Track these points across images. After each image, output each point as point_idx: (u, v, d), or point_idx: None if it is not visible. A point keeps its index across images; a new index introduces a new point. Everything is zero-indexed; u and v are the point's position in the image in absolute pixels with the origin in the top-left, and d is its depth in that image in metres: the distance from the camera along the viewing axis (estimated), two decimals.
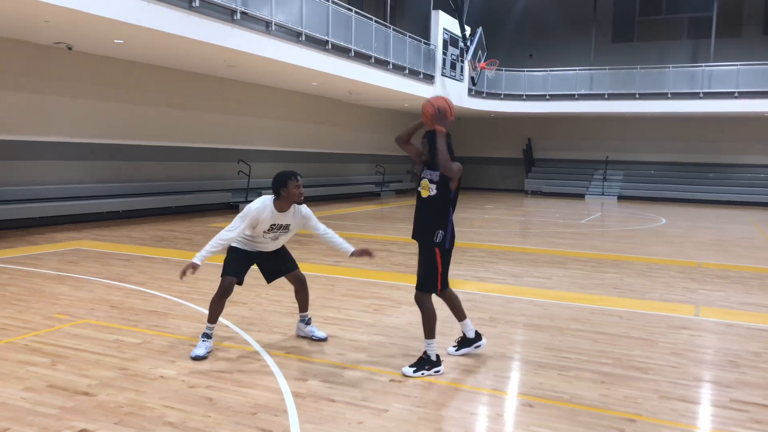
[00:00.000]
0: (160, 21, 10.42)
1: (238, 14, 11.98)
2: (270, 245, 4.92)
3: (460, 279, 8.17)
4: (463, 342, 4.97)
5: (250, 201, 17.30)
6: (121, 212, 13.64)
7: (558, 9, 27.81)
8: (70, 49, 12.52)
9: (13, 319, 5.63)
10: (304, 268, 8.49)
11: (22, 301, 6.26)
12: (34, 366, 4.43)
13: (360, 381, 4.31)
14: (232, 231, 4.65)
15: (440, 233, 4.44)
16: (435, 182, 4.47)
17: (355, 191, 22.84)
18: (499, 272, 8.69)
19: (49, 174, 12.71)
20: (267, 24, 12.94)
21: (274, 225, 4.75)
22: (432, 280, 4.52)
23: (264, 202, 4.70)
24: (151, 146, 15.08)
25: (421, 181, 4.56)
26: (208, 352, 4.74)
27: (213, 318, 4.82)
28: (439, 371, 4.47)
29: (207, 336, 4.79)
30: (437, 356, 4.51)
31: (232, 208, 16.42)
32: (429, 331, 4.53)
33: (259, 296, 6.68)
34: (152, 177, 15.09)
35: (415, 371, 4.41)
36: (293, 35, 13.90)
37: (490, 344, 5.24)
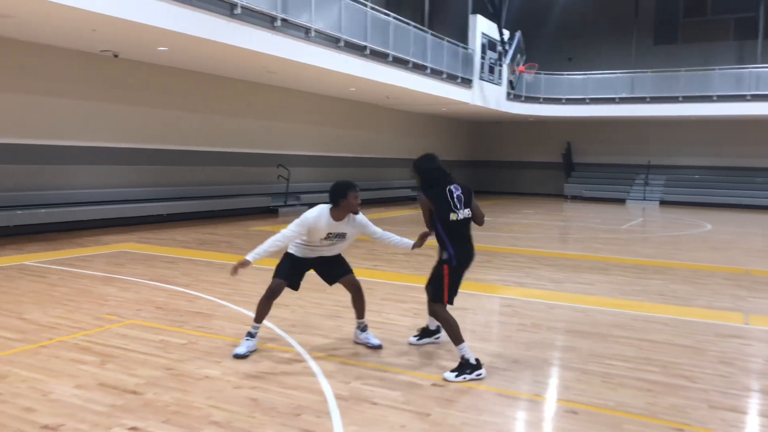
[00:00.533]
0: (203, 28, 10.63)
1: (279, 21, 12.15)
2: (327, 251, 5.00)
3: (501, 284, 8.12)
4: (425, 333, 5.26)
5: (290, 205, 17.49)
6: (165, 215, 13.93)
7: (598, 11, 27.46)
8: (116, 56, 12.86)
9: (64, 318, 5.80)
10: None
11: (72, 302, 6.44)
12: (85, 364, 4.56)
13: (402, 384, 4.32)
14: (288, 235, 4.72)
15: (445, 253, 4.62)
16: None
17: (392, 195, 22.89)
18: (539, 278, 8.60)
19: (97, 178, 13.06)
20: (306, 30, 13.09)
21: (331, 233, 4.83)
22: (440, 292, 4.64)
23: (321, 211, 4.77)
24: (193, 151, 15.37)
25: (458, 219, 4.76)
26: (250, 351, 4.82)
27: (259, 318, 4.90)
28: (480, 375, 4.45)
29: (251, 335, 4.88)
30: (477, 360, 4.49)
31: (271, 212, 16.62)
32: (455, 337, 4.55)
33: (301, 299, 6.74)
34: (195, 181, 15.39)
35: (456, 376, 4.40)
36: (332, 41, 14.03)
37: (532, 350, 5.20)
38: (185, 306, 6.40)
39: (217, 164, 16.07)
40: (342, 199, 4.74)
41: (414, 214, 18.35)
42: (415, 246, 4.99)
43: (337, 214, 4.79)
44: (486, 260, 9.82)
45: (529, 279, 8.50)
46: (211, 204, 15.01)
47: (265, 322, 5.76)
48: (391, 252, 10.44)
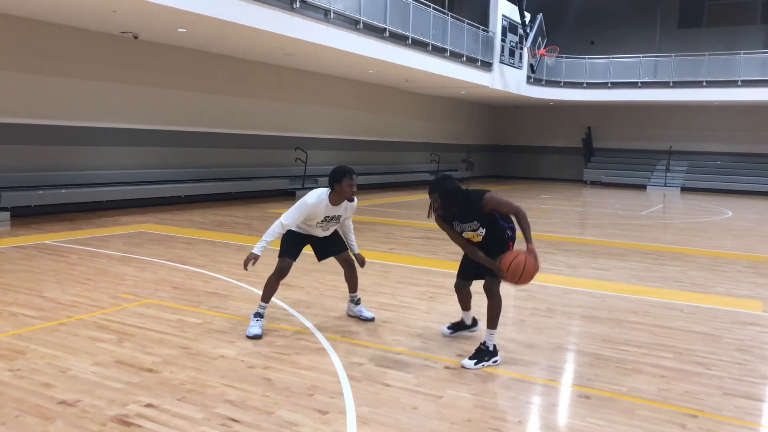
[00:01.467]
0: (222, 10, 10.62)
1: (297, 2, 12.10)
2: (320, 233, 5.12)
3: None
4: (459, 326, 5.12)
5: (307, 188, 17.54)
6: (183, 197, 14.04)
7: None
8: (136, 38, 12.91)
9: (83, 297, 5.89)
10: None
11: (91, 281, 6.53)
12: (103, 342, 4.63)
13: (415, 367, 4.34)
14: (288, 222, 4.82)
15: (508, 231, 4.56)
16: (476, 228, 4.50)
17: (410, 179, 22.84)
18: (556, 263, 8.56)
19: (116, 159, 13.18)
20: (325, 12, 13.02)
21: (328, 216, 4.94)
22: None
23: (320, 196, 4.85)
24: (211, 133, 15.43)
25: (464, 234, 4.56)
26: (262, 330, 4.91)
27: (267, 297, 4.98)
28: (497, 361, 4.44)
29: (260, 315, 4.95)
30: (494, 346, 4.48)
31: (289, 195, 16.67)
32: (495, 321, 4.51)
33: (316, 281, 6.78)
34: (213, 163, 15.47)
35: (476, 363, 4.38)
36: (351, 23, 13.95)
37: (547, 335, 5.19)
38: (202, 286, 6.46)
39: (235, 146, 16.13)
40: (337, 184, 4.82)
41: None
42: (358, 256, 5.31)
43: (334, 198, 4.87)
44: None
45: (546, 264, 8.44)
46: (229, 186, 15.09)
47: (280, 302, 5.83)
48: (408, 236, 10.44)
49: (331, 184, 4.85)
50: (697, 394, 4.01)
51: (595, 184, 27.09)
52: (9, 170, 11.17)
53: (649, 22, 26.08)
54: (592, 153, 28.80)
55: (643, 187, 25.85)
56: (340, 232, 5.31)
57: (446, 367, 4.35)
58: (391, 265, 7.95)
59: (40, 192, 11.09)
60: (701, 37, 25.59)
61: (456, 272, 4.92)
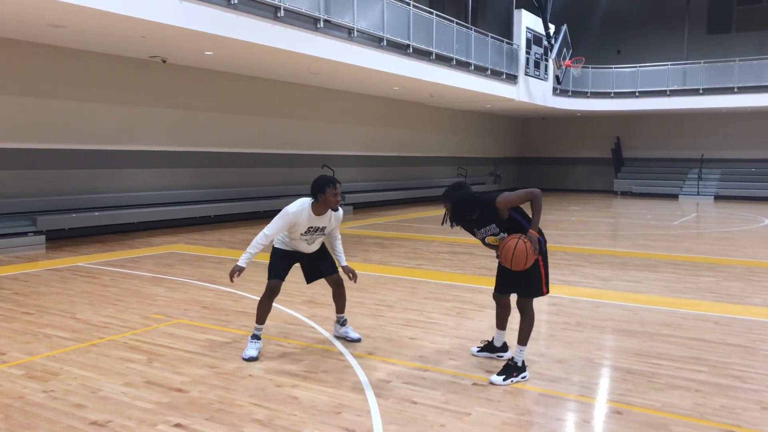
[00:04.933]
0: (248, 32, 10.80)
1: (321, 22, 12.24)
2: (306, 247, 4.99)
3: None
4: (489, 348, 4.93)
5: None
6: (213, 217, 14.22)
7: (647, 1, 26.75)
8: (164, 62, 13.19)
9: (114, 318, 5.98)
10: (386, 271, 8.57)
11: (122, 302, 6.64)
12: (133, 363, 4.68)
13: (442, 384, 4.30)
14: (271, 233, 4.78)
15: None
16: (497, 233, 4.38)
17: (436, 194, 22.76)
18: (586, 276, 8.44)
19: (147, 181, 13.42)
20: (349, 31, 13.15)
21: (311, 228, 4.84)
22: (537, 284, 4.40)
23: (302, 206, 4.78)
24: (240, 153, 15.63)
25: (486, 240, 4.48)
26: (259, 352, 4.84)
27: (261, 319, 4.92)
28: (525, 377, 4.38)
29: (256, 338, 4.89)
30: (522, 362, 4.42)
31: None
32: (526, 337, 4.44)
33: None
34: (241, 183, 15.65)
35: (504, 379, 4.32)
36: (375, 40, 14.06)
37: (577, 349, 5.11)
38: (231, 306, 6.51)
39: (262, 165, 16.30)
40: (320, 194, 4.72)
41: None
42: (344, 267, 5.07)
43: (318, 208, 4.78)
44: None
45: (576, 277, 8.34)
46: (258, 205, 15.24)
47: (306, 320, 5.84)
48: (435, 251, 10.40)
49: (314, 194, 4.75)
50: (734, 409, 3.90)
51: (625, 194, 26.71)
52: (44, 194, 11.45)
53: (677, 29, 25.78)
54: (621, 163, 28.44)
55: (675, 196, 25.41)
56: (327, 245, 5.18)
57: (474, 384, 4.30)
58: (418, 280, 7.92)
59: (74, 215, 11.33)
60: (731, 43, 25.18)
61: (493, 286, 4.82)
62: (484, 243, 4.55)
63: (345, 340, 5.27)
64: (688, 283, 7.94)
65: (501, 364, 4.52)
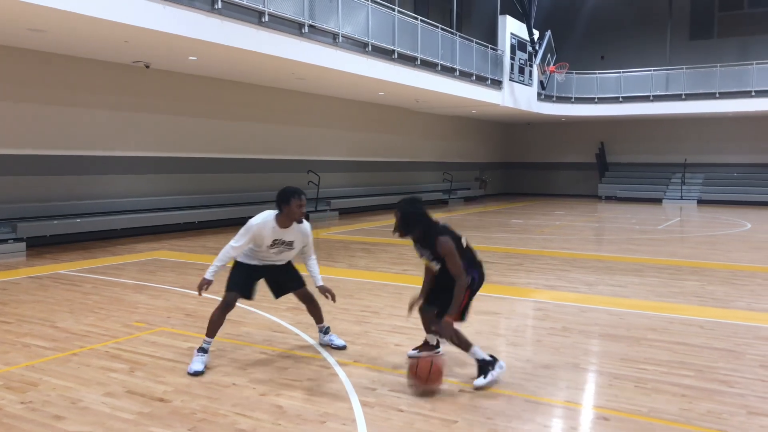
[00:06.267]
0: (232, 37, 10.73)
1: (306, 27, 12.20)
2: (275, 259, 4.87)
3: (531, 288, 7.99)
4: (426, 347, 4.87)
5: (320, 211, 17.57)
6: (197, 223, 14.10)
7: (630, 7, 26.99)
8: (147, 67, 13.07)
9: (95, 326, 5.88)
10: (372, 276, 8.52)
11: (104, 310, 6.53)
12: (114, 372, 4.60)
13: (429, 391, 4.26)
14: (236, 245, 4.69)
15: (468, 278, 4.40)
16: (430, 259, 4.52)
17: (423, 200, 22.74)
18: (571, 280, 8.45)
19: (130, 187, 13.28)
20: (334, 36, 13.12)
21: (277, 240, 4.72)
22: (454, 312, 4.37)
23: (266, 218, 4.67)
24: (223, 158, 15.53)
25: (422, 259, 4.64)
26: (205, 366, 4.65)
27: (212, 332, 4.73)
28: (502, 366, 4.42)
29: (204, 351, 4.67)
30: (489, 355, 4.42)
31: None
32: (465, 343, 4.43)
33: (328, 305, 6.72)
34: (226, 188, 15.54)
35: (484, 377, 4.32)
36: (360, 46, 14.04)
37: (564, 355, 5.09)
38: None
39: (247, 171, 16.20)
40: (285, 205, 4.63)
41: (445, 216, 18.23)
42: (320, 288, 4.95)
43: (282, 220, 4.67)
44: (517, 263, 9.68)
45: (561, 282, 8.35)
46: (242, 211, 15.11)
47: (291, 327, 5.78)
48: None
49: (279, 206, 4.65)
50: (721, 414, 3.90)
51: (610, 199, 26.88)
52: (24, 201, 11.29)
53: (660, 35, 26.02)
54: (606, 168, 28.62)
55: (658, 201, 25.60)
56: (306, 266, 5.02)
57: (461, 391, 4.27)
58: (404, 286, 7.88)
59: (55, 222, 11.17)
60: (712, 49, 25.46)
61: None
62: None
63: (330, 347, 5.21)
64: (673, 287, 7.97)
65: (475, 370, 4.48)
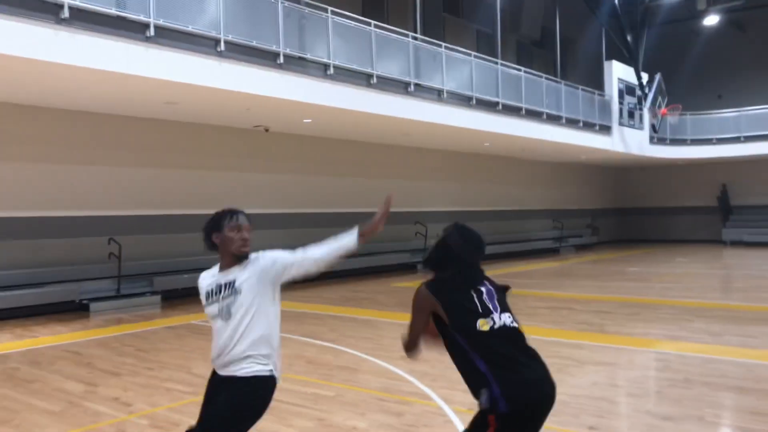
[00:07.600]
0: (344, 99, 11.42)
1: (412, 86, 12.74)
2: (222, 329, 3.17)
3: (651, 338, 7.73)
4: None
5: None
6: (315, 274, 14.67)
7: (746, 43, 25.84)
8: (267, 131, 14.06)
9: None
10: None
11: None
12: None
13: None
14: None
15: (484, 393, 2.78)
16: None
17: (532, 248, 22.47)
18: (695, 330, 8.08)
19: (256, 243, 14.08)
20: (439, 92, 13.57)
21: (218, 286, 3.17)
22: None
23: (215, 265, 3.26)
24: (338, 213, 16.20)
25: None
26: None
27: None
28: None
29: None
30: None
31: (410, 268, 16.95)
32: None
33: (441, 353, 6.85)
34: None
35: None
36: (464, 100, 14.41)
37: (686, 407, 4.93)
38: (332, 360, 6.74)
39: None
40: (216, 232, 3.17)
41: (557, 266, 17.89)
42: (365, 233, 3.46)
43: (222, 258, 3.21)
44: (634, 313, 9.38)
45: (683, 332, 8.01)
46: (355, 262, 15.60)
47: (406, 375, 5.95)
48: (532, 305, 10.28)
49: (209, 241, 3.20)
50: None
51: (736, 244, 25.27)
52: (158, 257, 12.31)
53: None
54: (730, 211, 27.02)
55: None
56: (328, 260, 3.43)
57: None
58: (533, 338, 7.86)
59: (185, 276, 12.07)
60: None
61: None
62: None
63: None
64: None
65: (600, 418, 4.44)
